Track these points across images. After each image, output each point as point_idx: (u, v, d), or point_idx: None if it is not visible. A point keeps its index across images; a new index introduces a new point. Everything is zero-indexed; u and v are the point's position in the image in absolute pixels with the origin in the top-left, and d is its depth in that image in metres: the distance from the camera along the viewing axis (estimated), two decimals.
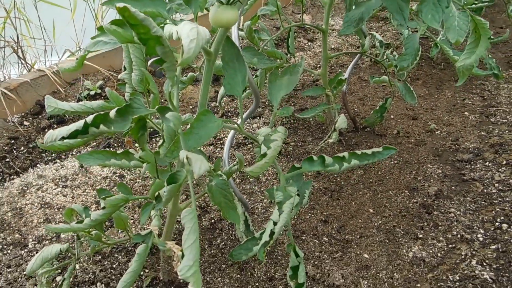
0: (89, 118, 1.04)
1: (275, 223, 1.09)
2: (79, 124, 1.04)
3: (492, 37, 2.04)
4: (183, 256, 0.94)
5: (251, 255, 1.26)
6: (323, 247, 1.76)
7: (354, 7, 1.90)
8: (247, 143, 2.34)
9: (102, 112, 1.04)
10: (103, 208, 1.18)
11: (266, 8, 2.06)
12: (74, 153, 2.27)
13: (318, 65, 3.12)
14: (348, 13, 1.89)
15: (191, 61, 0.79)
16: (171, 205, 1.44)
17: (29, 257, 1.72)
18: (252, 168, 0.97)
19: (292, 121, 2.53)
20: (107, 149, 2.30)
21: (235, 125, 1.20)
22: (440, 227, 1.83)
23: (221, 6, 1.06)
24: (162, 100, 2.12)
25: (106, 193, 1.44)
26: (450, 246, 1.74)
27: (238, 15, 1.08)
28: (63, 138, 1.04)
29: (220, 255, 1.73)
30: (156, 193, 1.11)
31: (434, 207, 1.92)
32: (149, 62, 0.89)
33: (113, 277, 1.64)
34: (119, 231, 1.83)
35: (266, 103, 2.69)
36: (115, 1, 1.08)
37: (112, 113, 1.03)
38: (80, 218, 1.70)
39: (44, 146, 1.33)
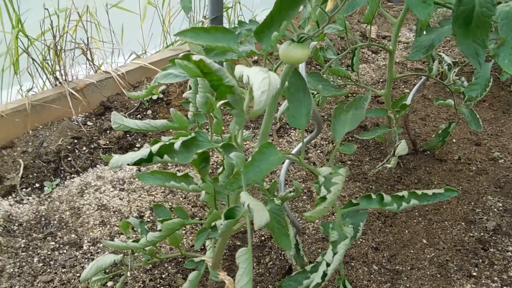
0: (154, 148, 1.06)
1: (328, 264, 1.08)
2: (144, 152, 1.07)
3: None
4: None
5: None
6: (372, 276, 1.73)
7: (425, 32, 1.86)
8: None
9: (167, 143, 1.07)
10: (159, 230, 1.21)
11: (334, 26, 2.03)
12: None
13: (381, 79, 3.06)
14: (418, 38, 1.84)
15: (261, 112, 0.79)
16: None
17: (83, 259, 1.78)
18: (310, 214, 0.97)
19: (349, 138, 2.50)
20: None
21: (297, 159, 1.20)
22: (495, 266, 1.77)
23: (292, 44, 1.06)
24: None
25: (162, 209, 1.47)
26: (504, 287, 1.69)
27: (308, 53, 1.08)
28: (128, 165, 1.07)
29: (267, 274, 1.73)
30: (213, 223, 1.12)
31: (491, 243, 1.86)
32: (218, 104, 0.89)
33: (162, 287, 1.68)
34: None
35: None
36: (187, 33, 1.09)
37: (177, 144, 1.05)
38: (136, 230, 1.75)
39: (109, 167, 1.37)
